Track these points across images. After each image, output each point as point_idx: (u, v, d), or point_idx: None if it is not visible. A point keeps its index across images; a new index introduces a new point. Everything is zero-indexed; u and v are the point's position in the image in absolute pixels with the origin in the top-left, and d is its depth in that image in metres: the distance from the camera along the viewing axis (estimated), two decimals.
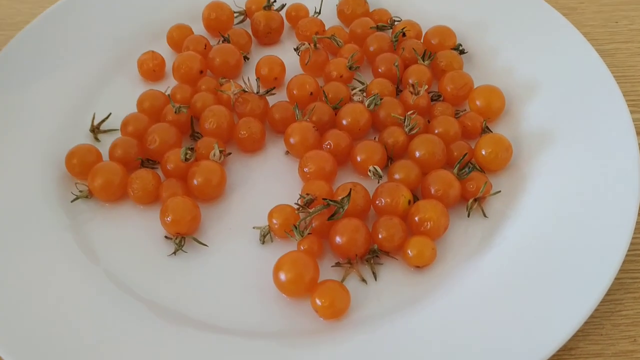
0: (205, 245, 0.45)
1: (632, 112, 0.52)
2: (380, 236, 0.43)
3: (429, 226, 0.43)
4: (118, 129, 0.50)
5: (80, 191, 0.47)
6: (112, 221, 0.47)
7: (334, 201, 0.43)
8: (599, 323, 0.42)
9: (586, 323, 0.41)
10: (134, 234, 0.46)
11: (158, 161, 0.48)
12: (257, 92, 0.51)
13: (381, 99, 0.49)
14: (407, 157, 0.48)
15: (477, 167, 0.47)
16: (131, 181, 0.46)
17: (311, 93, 0.51)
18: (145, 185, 0.46)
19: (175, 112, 0.49)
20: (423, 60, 0.53)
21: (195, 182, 0.46)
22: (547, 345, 0.38)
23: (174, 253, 0.44)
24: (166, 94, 0.52)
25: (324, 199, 0.43)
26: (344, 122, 0.49)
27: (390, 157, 0.48)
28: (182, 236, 0.45)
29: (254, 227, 0.45)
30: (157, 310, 0.42)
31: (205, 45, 0.55)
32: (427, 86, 0.51)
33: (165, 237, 0.45)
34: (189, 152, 0.47)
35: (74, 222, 0.46)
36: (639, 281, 0.44)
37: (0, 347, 0.38)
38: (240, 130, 0.49)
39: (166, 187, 0.46)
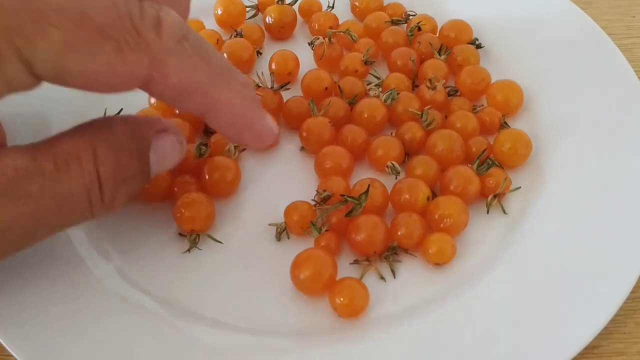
0: (220, 242, 0.44)
1: None
2: (399, 233, 0.42)
3: (448, 223, 0.42)
4: None
5: None
6: (124, 217, 0.46)
7: (352, 197, 0.42)
8: (622, 321, 0.41)
9: (609, 321, 0.40)
10: (146, 230, 0.45)
11: None
12: (272, 87, 0.50)
13: (398, 94, 0.48)
14: (424, 153, 0.47)
15: (496, 163, 0.46)
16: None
17: (326, 88, 0.50)
18: (158, 183, 0.45)
19: None
20: (439, 55, 0.52)
21: (209, 178, 0.45)
22: (572, 345, 0.37)
23: (189, 250, 0.44)
24: None
25: (341, 195, 0.43)
26: (361, 117, 0.48)
27: (408, 153, 0.47)
28: (197, 233, 0.44)
29: (269, 224, 0.45)
30: (170, 307, 0.41)
31: (218, 40, 0.54)
32: (444, 81, 0.50)
33: (179, 234, 0.44)
34: (203, 147, 0.46)
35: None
36: None
37: (12, 346, 0.38)
38: None
39: (180, 184, 0.45)
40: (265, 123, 0.39)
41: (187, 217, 0.43)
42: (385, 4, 0.58)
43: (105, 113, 0.50)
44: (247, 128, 0.39)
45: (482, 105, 0.50)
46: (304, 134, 0.47)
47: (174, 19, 0.34)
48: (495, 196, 0.45)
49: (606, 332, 0.41)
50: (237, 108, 0.37)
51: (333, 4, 0.57)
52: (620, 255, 0.40)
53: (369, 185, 0.43)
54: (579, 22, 0.54)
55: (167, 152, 0.39)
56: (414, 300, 0.41)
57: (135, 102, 0.51)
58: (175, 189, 0.45)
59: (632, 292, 0.42)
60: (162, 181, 0.45)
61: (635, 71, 0.54)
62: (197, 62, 0.35)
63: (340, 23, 0.56)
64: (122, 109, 0.50)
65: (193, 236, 0.44)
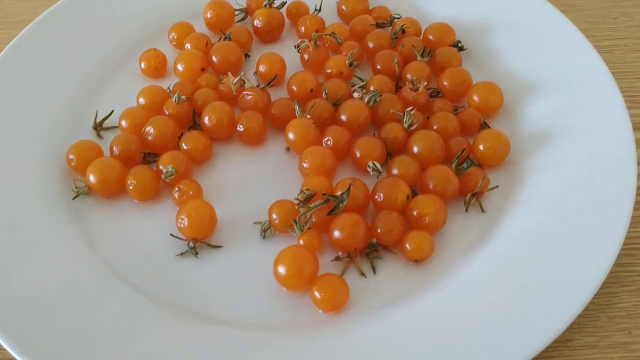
0: (220, 246, 0.45)
1: (630, 108, 0.53)
2: (379, 230, 0.43)
3: (427, 221, 0.44)
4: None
5: (78, 187, 0.48)
6: (114, 216, 0.47)
7: (334, 196, 0.44)
8: (595, 316, 0.43)
9: (582, 316, 0.42)
10: (137, 229, 0.47)
11: (158, 154, 0.49)
12: (257, 86, 0.51)
13: (380, 96, 0.50)
14: (406, 153, 0.48)
15: (476, 162, 0.48)
16: (129, 177, 0.47)
17: (311, 90, 0.51)
18: (144, 181, 0.47)
19: (176, 102, 0.50)
20: (422, 57, 0.54)
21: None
22: (543, 335, 0.38)
23: (182, 254, 0.45)
24: (168, 90, 0.52)
25: (323, 194, 0.44)
26: (344, 118, 0.49)
27: (390, 153, 0.48)
28: (197, 241, 0.45)
29: (254, 222, 0.46)
30: (159, 303, 0.42)
31: (207, 43, 0.56)
32: (426, 82, 0.51)
33: (171, 235, 0.45)
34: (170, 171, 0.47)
35: (76, 218, 0.47)
36: (635, 275, 0.45)
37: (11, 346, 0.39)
38: (241, 124, 0.50)
39: (180, 193, 0.47)
40: None
41: (190, 225, 0.44)
42: (371, 7, 0.59)
43: (96, 114, 0.52)
44: None
45: (464, 106, 0.52)
46: (289, 135, 0.49)
47: None
48: (473, 195, 0.46)
49: (579, 326, 0.42)
50: None
51: (320, 7, 0.59)
52: (592, 251, 0.41)
53: (350, 184, 0.44)
54: (558, 26, 0.55)
55: None
56: (394, 294, 0.43)
57: (127, 103, 0.52)
58: (176, 195, 0.46)
59: (605, 287, 0.44)
60: (148, 181, 0.47)
61: (616, 72, 0.56)
62: None
63: (327, 26, 0.58)
64: (113, 111, 0.52)
65: (193, 244, 0.45)
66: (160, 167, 0.47)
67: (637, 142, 0.51)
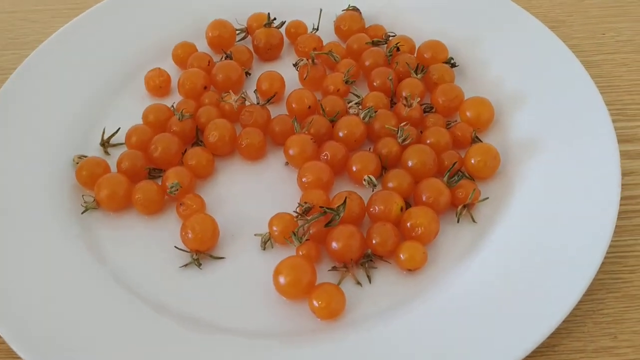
0: (223, 257, 0.47)
1: (618, 120, 0.55)
2: (374, 241, 0.45)
3: (420, 231, 0.45)
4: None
5: (86, 202, 0.50)
6: (121, 230, 0.49)
7: (331, 209, 0.46)
8: (581, 321, 0.44)
9: (569, 321, 0.44)
10: (143, 241, 0.49)
11: (164, 169, 0.51)
12: (257, 103, 0.53)
13: (376, 112, 0.52)
14: (400, 167, 0.50)
15: (467, 175, 0.50)
16: (136, 192, 0.49)
17: (309, 106, 0.54)
18: (149, 196, 0.49)
19: (179, 119, 0.52)
20: (416, 74, 0.56)
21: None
22: (531, 340, 0.40)
23: (186, 265, 0.47)
24: (172, 108, 0.55)
25: (320, 206, 0.46)
26: (341, 134, 0.51)
27: (385, 167, 0.50)
28: (200, 252, 0.47)
29: (255, 234, 0.48)
30: (162, 311, 0.44)
31: (209, 62, 0.58)
32: (419, 98, 0.53)
33: (176, 247, 0.47)
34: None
35: (85, 231, 0.49)
36: (620, 282, 0.46)
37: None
38: (242, 140, 0.52)
39: (184, 207, 0.48)
40: None
41: (194, 238, 0.47)
42: (367, 26, 0.61)
43: (104, 131, 0.54)
44: None
45: (456, 120, 0.54)
46: (288, 150, 0.51)
47: None
48: (464, 206, 0.48)
49: (566, 332, 0.44)
50: None
51: (317, 26, 0.61)
52: (578, 259, 0.43)
53: (345, 197, 0.46)
54: (547, 42, 0.57)
55: None
56: (389, 303, 0.45)
57: (133, 120, 0.54)
58: (181, 209, 0.48)
59: (591, 294, 0.45)
60: (153, 195, 0.49)
61: (604, 86, 0.58)
62: None
63: (324, 44, 0.60)
64: (119, 128, 0.54)
65: (196, 255, 0.47)
66: (166, 182, 0.49)
67: (626, 153, 0.53)
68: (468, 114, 0.53)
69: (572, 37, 0.64)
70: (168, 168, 0.51)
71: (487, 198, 0.49)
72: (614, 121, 0.51)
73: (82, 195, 0.50)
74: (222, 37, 0.60)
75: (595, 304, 0.45)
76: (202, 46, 0.61)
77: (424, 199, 0.47)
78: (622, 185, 0.47)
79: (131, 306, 0.45)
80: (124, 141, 0.54)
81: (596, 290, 0.46)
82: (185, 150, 0.52)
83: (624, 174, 0.51)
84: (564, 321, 0.41)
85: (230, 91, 0.54)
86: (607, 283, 0.46)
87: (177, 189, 0.49)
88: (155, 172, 0.52)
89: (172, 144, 0.52)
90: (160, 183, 0.50)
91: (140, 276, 0.47)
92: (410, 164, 0.49)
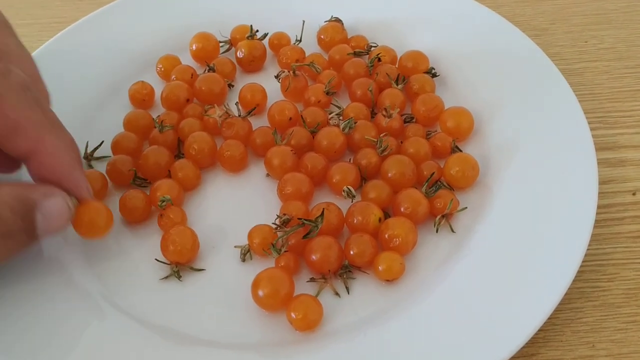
0: (203, 269, 0.48)
1: (599, 128, 0.56)
2: (351, 252, 0.46)
3: (397, 242, 0.46)
4: (110, 156, 0.54)
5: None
6: (101, 241, 0.49)
7: (309, 220, 0.46)
8: (560, 330, 0.45)
9: (547, 330, 0.44)
10: (123, 253, 0.49)
11: (150, 181, 0.52)
12: (239, 115, 0.54)
13: (355, 123, 0.52)
14: (379, 177, 0.50)
15: (446, 185, 0.50)
16: (122, 200, 0.50)
17: (290, 118, 0.54)
18: (136, 204, 0.50)
19: (160, 131, 0.53)
20: (396, 84, 0.56)
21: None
22: (507, 349, 0.40)
23: (167, 277, 0.47)
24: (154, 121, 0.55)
25: (299, 218, 0.46)
26: (321, 145, 0.52)
27: (364, 177, 0.51)
28: (180, 264, 0.47)
29: (235, 246, 0.48)
30: (143, 323, 0.45)
31: (192, 75, 0.58)
32: (399, 109, 0.54)
33: (156, 259, 0.48)
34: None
35: (66, 244, 0.49)
36: (599, 290, 0.46)
37: None
38: (224, 151, 0.52)
39: (165, 219, 0.49)
40: (83, 177, 0.44)
41: (173, 250, 0.47)
42: (349, 37, 0.62)
43: (87, 145, 0.54)
44: (67, 176, 0.43)
45: (436, 130, 0.54)
46: (269, 162, 0.51)
47: (21, 74, 0.41)
48: (443, 216, 0.48)
49: (544, 341, 0.44)
50: (61, 155, 0.42)
51: (300, 38, 0.61)
52: (554, 267, 0.44)
53: (323, 209, 0.46)
54: (528, 52, 0.57)
55: (53, 213, 0.42)
56: (367, 312, 0.45)
57: (115, 132, 0.55)
58: (162, 221, 0.49)
59: (570, 302, 0.46)
60: (139, 203, 0.50)
61: (586, 93, 0.59)
62: (34, 107, 0.41)
63: (307, 55, 0.60)
64: (103, 142, 0.55)
65: (177, 268, 0.47)
66: (157, 194, 0.50)
67: (606, 161, 0.54)
68: (448, 123, 0.53)
69: (555, 45, 0.64)
70: (155, 179, 0.51)
71: (466, 208, 0.49)
72: (595, 129, 0.51)
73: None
74: (205, 50, 0.61)
75: (574, 312, 0.45)
76: (187, 59, 0.61)
77: (402, 209, 0.48)
78: (603, 192, 0.47)
79: (110, 318, 0.45)
80: (107, 154, 0.54)
81: (575, 298, 0.46)
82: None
83: (605, 182, 0.51)
84: (541, 330, 0.42)
85: (215, 105, 0.55)
86: (585, 292, 0.46)
87: (166, 203, 0.49)
88: (140, 180, 0.52)
89: (162, 155, 0.52)
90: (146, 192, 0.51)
91: (120, 288, 0.47)
92: (389, 174, 0.50)
